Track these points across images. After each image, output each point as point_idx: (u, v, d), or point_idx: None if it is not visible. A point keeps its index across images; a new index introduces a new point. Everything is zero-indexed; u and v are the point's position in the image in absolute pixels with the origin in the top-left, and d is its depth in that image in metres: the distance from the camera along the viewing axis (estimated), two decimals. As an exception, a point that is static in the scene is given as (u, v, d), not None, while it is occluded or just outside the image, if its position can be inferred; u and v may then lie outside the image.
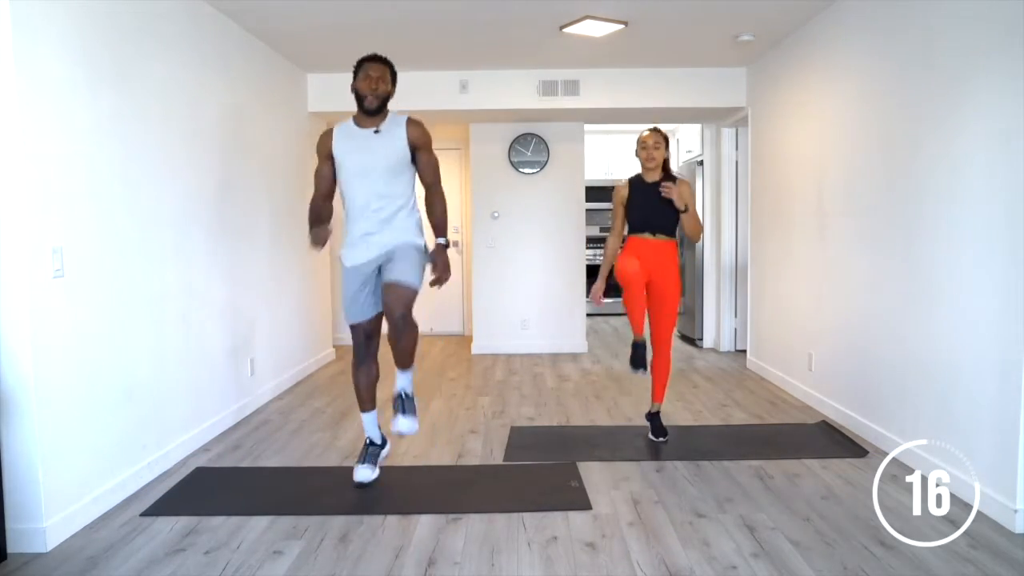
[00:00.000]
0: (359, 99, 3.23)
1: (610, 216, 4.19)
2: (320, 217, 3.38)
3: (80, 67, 3.05)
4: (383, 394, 3.54)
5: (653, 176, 3.92)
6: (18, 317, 2.69)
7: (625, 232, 4.04)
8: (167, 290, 3.73)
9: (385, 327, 3.28)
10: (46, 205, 2.82)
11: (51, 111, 2.87)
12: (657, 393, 4.05)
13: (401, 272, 3.18)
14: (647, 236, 3.89)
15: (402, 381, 3.36)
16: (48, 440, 2.80)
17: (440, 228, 3.33)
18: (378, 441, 3.46)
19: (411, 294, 3.20)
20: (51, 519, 2.79)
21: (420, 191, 3.38)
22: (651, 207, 3.87)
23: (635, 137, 4.04)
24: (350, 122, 3.30)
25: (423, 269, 3.28)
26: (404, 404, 3.35)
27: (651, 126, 4.00)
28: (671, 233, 3.92)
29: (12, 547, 2.72)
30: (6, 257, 2.67)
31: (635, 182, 3.97)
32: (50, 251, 2.83)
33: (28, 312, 2.70)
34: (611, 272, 4.02)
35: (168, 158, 3.78)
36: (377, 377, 3.44)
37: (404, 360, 3.32)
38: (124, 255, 3.35)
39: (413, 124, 3.26)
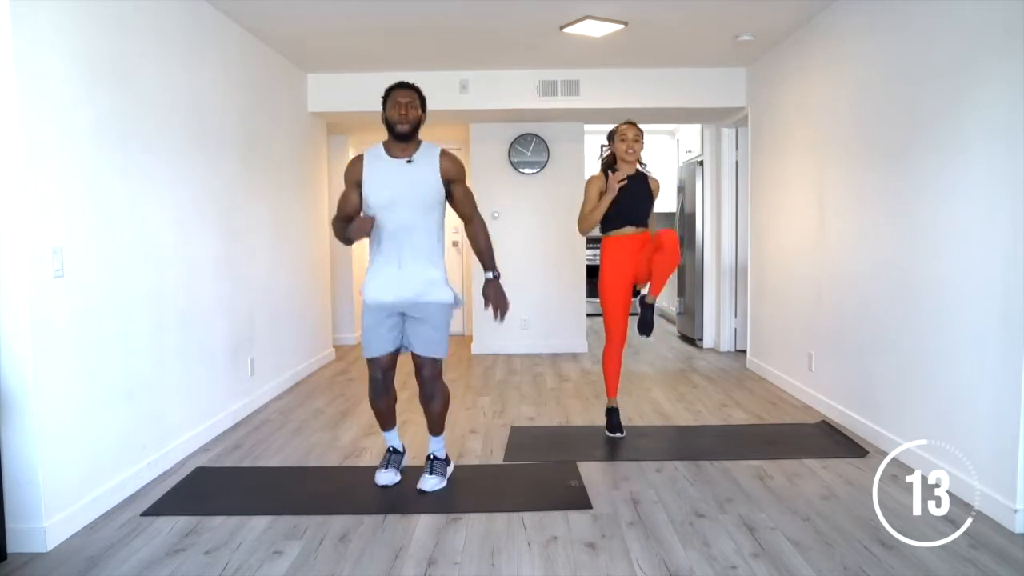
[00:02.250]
0: (390, 127, 3.15)
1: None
2: (347, 226, 3.25)
3: (80, 67, 3.05)
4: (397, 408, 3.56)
5: (630, 169, 3.98)
6: (18, 317, 2.69)
7: (597, 231, 4.07)
8: (167, 289, 3.73)
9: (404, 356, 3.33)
10: (46, 205, 2.82)
11: (51, 111, 2.87)
12: (656, 284, 3.95)
13: (431, 346, 3.22)
14: (630, 231, 3.96)
15: (434, 446, 3.44)
16: (48, 440, 2.80)
17: (487, 261, 3.30)
18: (400, 450, 3.53)
19: (441, 362, 3.30)
20: (51, 519, 2.79)
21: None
22: (631, 200, 3.93)
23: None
24: (380, 149, 3.20)
25: (450, 324, 3.30)
26: (433, 466, 3.41)
27: (627, 120, 4.03)
28: (646, 224, 4.04)
29: (12, 547, 2.71)
30: (6, 257, 2.67)
31: (613, 175, 3.97)
32: (50, 251, 2.83)
33: (28, 312, 2.70)
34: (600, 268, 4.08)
35: (168, 158, 3.78)
36: (395, 400, 3.43)
37: (437, 426, 3.40)
38: (124, 255, 3.35)
39: (447, 156, 3.19)
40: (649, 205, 4.04)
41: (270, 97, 5.34)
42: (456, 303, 3.26)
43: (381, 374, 3.30)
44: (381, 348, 3.25)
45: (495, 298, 3.30)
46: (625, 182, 3.91)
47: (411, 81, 3.24)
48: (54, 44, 2.89)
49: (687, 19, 4.80)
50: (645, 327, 4.10)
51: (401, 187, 3.12)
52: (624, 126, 3.97)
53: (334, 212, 3.33)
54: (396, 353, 3.31)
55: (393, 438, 3.50)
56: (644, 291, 4.09)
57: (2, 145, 2.65)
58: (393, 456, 3.48)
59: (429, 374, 3.27)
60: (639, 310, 4.13)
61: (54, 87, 2.89)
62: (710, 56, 5.75)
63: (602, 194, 3.97)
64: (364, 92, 6.04)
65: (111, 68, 3.28)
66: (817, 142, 4.73)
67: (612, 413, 4.17)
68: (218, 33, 4.45)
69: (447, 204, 3.28)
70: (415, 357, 3.26)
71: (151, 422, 3.54)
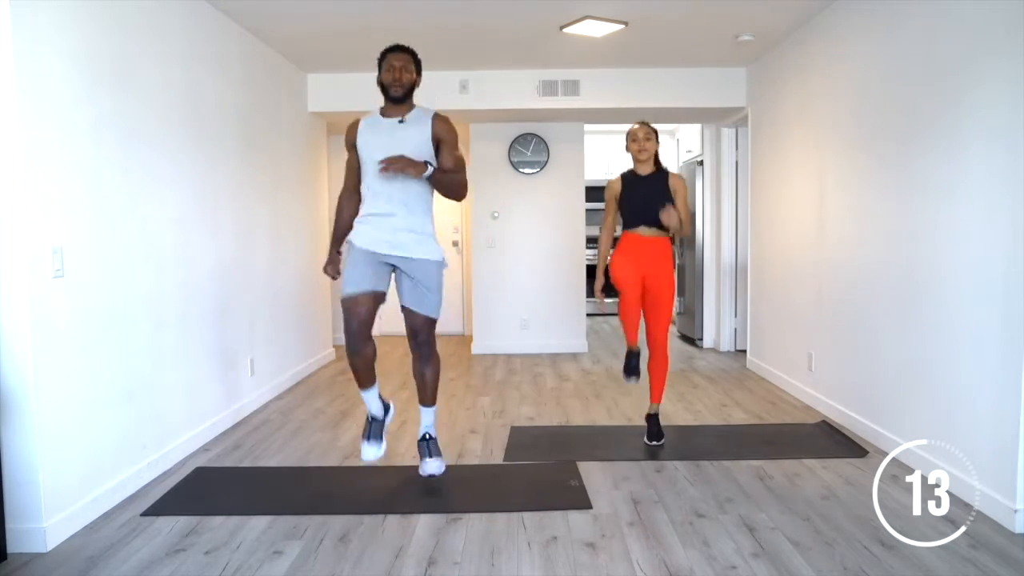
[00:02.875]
0: (384, 90, 3.22)
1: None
2: (343, 220, 3.35)
3: (80, 67, 3.05)
4: (387, 395, 3.52)
5: (645, 169, 3.90)
6: (18, 317, 2.69)
7: (618, 230, 4.03)
8: (167, 289, 3.73)
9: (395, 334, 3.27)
10: (46, 205, 2.82)
11: (51, 111, 2.87)
12: (655, 393, 4.02)
13: (423, 303, 3.20)
14: (641, 231, 3.86)
15: (426, 420, 3.41)
16: (48, 440, 2.79)
17: (441, 170, 3.16)
18: (380, 415, 3.38)
19: (434, 322, 3.27)
20: (51, 519, 2.79)
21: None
22: (645, 202, 3.83)
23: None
24: (376, 114, 3.28)
25: (442, 284, 3.27)
26: (430, 447, 3.38)
27: (639, 120, 3.97)
28: (665, 228, 3.86)
29: (12, 547, 2.71)
30: (6, 257, 2.67)
31: (628, 177, 3.95)
32: (50, 251, 2.83)
33: (28, 312, 2.70)
34: (607, 269, 4.03)
35: (168, 158, 3.78)
36: (375, 354, 3.27)
37: (430, 394, 3.38)
38: (124, 255, 3.35)
39: (440, 119, 3.23)
40: (662, 207, 3.80)
41: (270, 97, 5.34)
42: (443, 264, 3.26)
43: (357, 322, 3.14)
44: (360, 284, 3.14)
45: (401, 161, 3.04)
46: (603, 297, 4.11)
47: (414, 51, 3.27)
48: (54, 44, 2.88)
49: (687, 19, 4.80)
50: (653, 437, 3.98)
51: (391, 144, 3.15)
52: (635, 127, 3.89)
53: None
54: (376, 299, 3.18)
55: (373, 399, 3.34)
56: (647, 409, 4.06)
57: (2, 145, 2.65)
58: (374, 424, 3.35)
59: (424, 338, 3.25)
60: (647, 424, 4.02)
61: (54, 87, 2.89)
62: (710, 56, 5.75)
63: (618, 201, 3.93)
64: (364, 92, 6.00)
65: (111, 68, 3.28)
66: (817, 142, 4.73)
67: (651, 419, 4.04)
68: (218, 33, 4.45)
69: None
70: (408, 318, 3.23)
71: (151, 422, 3.54)
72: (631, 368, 4.01)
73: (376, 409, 3.38)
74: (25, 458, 2.73)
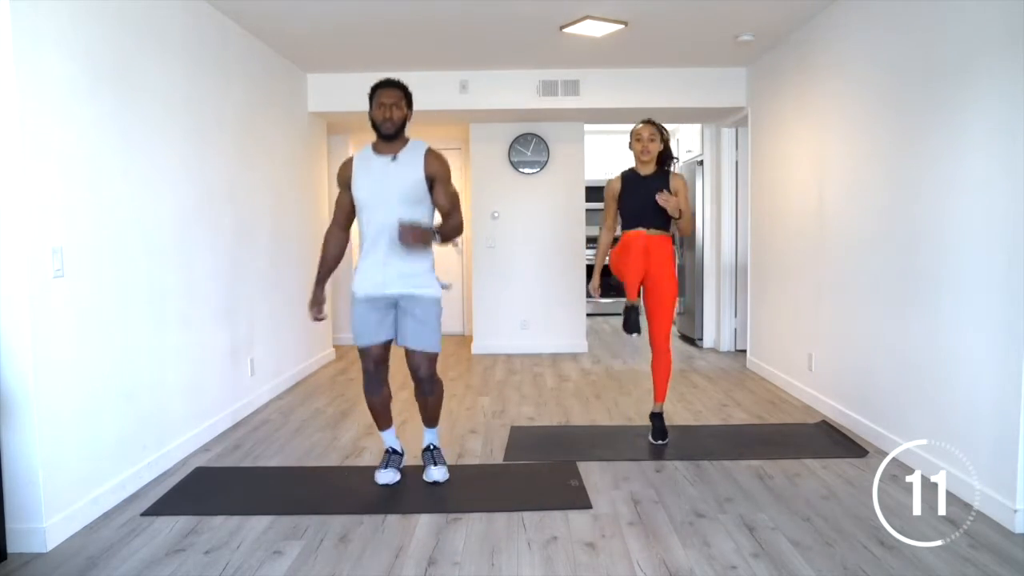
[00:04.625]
0: (376, 127, 3.20)
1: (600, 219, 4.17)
2: (329, 254, 3.38)
3: (80, 67, 3.05)
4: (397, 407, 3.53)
5: (647, 169, 3.89)
6: (18, 317, 2.69)
7: (618, 230, 4.02)
8: (167, 289, 3.73)
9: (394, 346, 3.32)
10: (46, 205, 2.82)
11: (51, 111, 2.87)
12: (659, 392, 4.02)
13: (422, 340, 3.23)
14: (641, 231, 3.83)
15: (430, 436, 3.51)
16: (48, 440, 2.80)
17: (442, 229, 3.17)
18: (399, 450, 3.53)
19: (435, 358, 3.31)
20: (51, 519, 2.79)
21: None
22: (645, 202, 3.81)
23: (635, 137, 4.02)
24: (369, 149, 3.26)
25: (440, 319, 3.29)
26: (434, 456, 3.47)
27: (645, 118, 3.94)
28: (666, 228, 3.87)
29: (12, 547, 2.72)
30: (6, 257, 2.67)
31: (628, 176, 3.93)
32: (50, 251, 2.83)
33: (28, 312, 2.70)
34: (606, 271, 4.02)
35: (168, 158, 3.78)
36: (390, 398, 3.45)
37: (432, 419, 3.46)
38: (124, 255, 3.35)
39: (432, 155, 3.21)
40: (663, 207, 3.79)
41: (270, 97, 5.34)
42: (442, 286, 3.27)
43: (373, 366, 3.30)
44: (371, 337, 3.25)
45: (413, 234, 3.06)
46: (599, 294, 4.08)
47: (404, 80, 3.28)
48: (54, 44, 2.88)
49: (687, 19, 4.80)
50: (658, 435, 3.95)
51: (385, 184, 3.16)
52: (639, 126, 3.87)
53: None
54: (388, 344, 3.30)
55: (391, 438, 3.50)
56: (652, 408, 4.04)
57: (2, 145, 2.65)
58: (392, 456, 3.49)
59: (426, 374, 3.29)
60: (651, 422, 4.00)
61: (54, 87, 2.89)
62: (710, 56, 5.75)
63: (617, 199, 3.91)
64: (364, 92, 5.96)
65: (111, 68, 3.28)
66: (817, 142, 4.73)
67: (655, 418, 4.03)
68: (218, 33, 4.45)
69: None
70: (409, 356, 3.28)
71: (151, 422, 3.54)
72: (631, 324, 3.87)
73: (394, 444, 3.51)
74: (25, 458, 2.73)
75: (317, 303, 3.41)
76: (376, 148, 3.25)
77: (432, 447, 3.49)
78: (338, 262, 3.44)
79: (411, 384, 3.40)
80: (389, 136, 3.19)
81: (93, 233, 3.12)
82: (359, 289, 3.24)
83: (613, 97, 6.16)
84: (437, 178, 3.21)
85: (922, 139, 3.49)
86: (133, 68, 3.46)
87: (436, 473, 3.41)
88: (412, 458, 3.71)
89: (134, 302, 3.42)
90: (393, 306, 3.24)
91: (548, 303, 7.10)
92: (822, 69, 4.67)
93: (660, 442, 3.96)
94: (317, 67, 5.95)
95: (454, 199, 3.27)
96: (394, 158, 3.19)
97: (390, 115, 3.16)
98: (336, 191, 3.39)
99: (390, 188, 3.16)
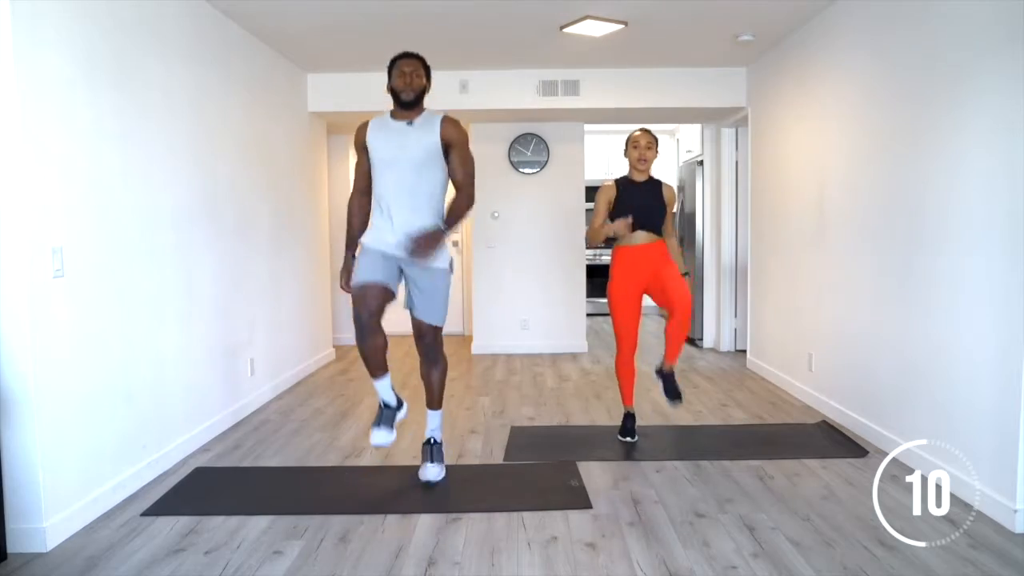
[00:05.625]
0: (395, 95, 3.24)
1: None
2: (355, 222, 3.38)
3: (80, 67, 3.05)
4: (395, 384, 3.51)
5: (642, 177, 3.93)
6: (18, 317, 2.69)
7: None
8: (167, 290, 3.73)
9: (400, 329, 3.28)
10: (46, 205, 2.82)
11: (51, 111, 2.87)
12: (670, 352, 3.84)
13: (426, 312, 3.26)
14: (639, 239, 3.85)
15: (433, 423, 3.46)
16: (48, 440, 2.80)
17: (452, 213, 3.20)
18: (393, 404, 3.31)
19: (440, 328, 3.33)
20: (51, 519, 2.79)
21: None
22: (640, 208, 3.84)
23: (635, 137, 4.02)
24: (386, 116, 3.30)
25: (448, 291, 3.29)
26: (433, 452, 3.43)
27: (641, 126, 3.99)
28: (659, 232, 3.92)
29: (12, 547, 2.71)
30: (6, 257, 2.67)
31: (623, 183, 3.93)
32: (50, 251, 2.83)
33: (28, 312, 2.70)
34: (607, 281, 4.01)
35: (168, 158, 3.78)
36: (385, 345, 3.20)
37: (436, 396, 3.43)
38: (124, 255, 3.35)
39: (449, 121, 3.24)
40: (662, 213, 3.90)
41: (270, 97, 5.34)
42: (450, 268, 3.28)
43: (367, 315, 3.09)
44: (371, 275, 3.13)
45: (423, 239, 3.06)
46: (629, 223, 3.77)
47: (423, 57, 3.33)
48: (54, 44, 2.88)
49: (687, 19, 4.80)
50: (673, 395, 3.84)
51: (401, 146, 3.19)
52: (637, 133, 3.89)
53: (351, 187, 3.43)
54: (385, 294, 3.14)
55: (385, 388, 3.27)
56: (659, 365, 3.91)
57: (2, 145, 2.65)
58: (386, 412, 3.28)
59: (431, 341, 3.32)
60: (660, 382, 3.88)
61: (54, 87, 2.89)
62: (710, 56, 5.75)
63: (611, 206, 3.89)
64: (364, 92, 6.05)
65: (111, 68, 3.28)
66: (817, 142, 4.73)
67: (628, 418, 4.08)
68: (218, 33, 4.45)
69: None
70: (415, 321, 3.29)
71: (151, 422, 3.54)
72: (627, 429, 4.03)
73: (388, 397, 3.30)
74: (25, 458, 2.73)
75: (348, 270, 3.34)
76: (394, 115, 3.28)
77: (433, 441, 3.44)
78: (365, 227, 3.37)
79: (412, 384, 3.39)
80: (409, 103, 3.22)
81: (93, 233, 3.12)
82: (369, 240, 3.25)
83: (613, 97, 6.16)
84: (454, 143, 3.23)
85: (922, 139, 3.49)
86: (134, 68, 3.46)
87: (431, 472, 3.38)
88: (412, 458, 3.71)
89: (134, 302, 3.42)
90: (400, 269, 3.23)
91: (548, 303, 7.10)
92: (822, 69, 4.67)
93: (676, 401, 3.81)
94: (317, 67, 5.95)
95: (469, 167, 3.29)
96: (411, 123, 3.23)
97: (410, 81, 3.21)
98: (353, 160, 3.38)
99: (406, 150, 3.18)
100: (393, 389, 3.34)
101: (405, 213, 3.18)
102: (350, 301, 3.20)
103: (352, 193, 3.42)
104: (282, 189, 5.49)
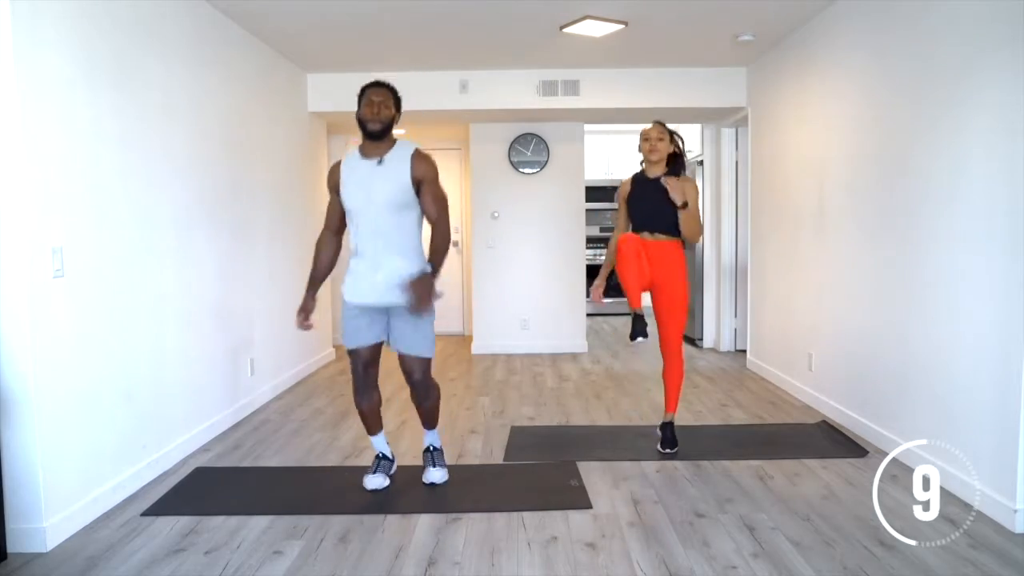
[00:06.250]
0: (362, 126, 3.12)
1: (611, 217, 4.11)
2: (322, 262, 3.32)
3: (80, 67, 3.05)
4: (389, 393, 3.52)
5: (656, 171, 3.79)
6: (18, 317, 2.69)
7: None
8: (167, 290, 3.73)
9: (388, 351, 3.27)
10: (46, 205, 2.82)
11: (51, 111, 2.87)
12: (670, 402, 3.89)
13: (415, 345, 3.19)
14: (646, 236, 3.74)
15: (430, 438, 3.48)
16: (48, 440, 2.80)
17: (435, 256, 3.10)
18: (390, 456, 3.48)
19: (428, 362, 3.26)
20: (51, 519, 2.79)
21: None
22: (651, 204, 3.74)
23: (635, 137, 4.00)
24: (356, 154, 3.18)
25: (433, 322, 3.23)
26: (434, 458, 3.46)
27: (655, 119, 3.87)
28: (674, 233, 3.75)
29: (12, 547, 2.71)
30: (6, 257, 2.67)
31: (637, 178, 3.88)
32: (50, 251, 2.83)
33: (28, 312, 2.70)
34: (612, 272, 3.94)
35: (168, 158, 3.78)
36: (379, 403, 3.37)
37: (431, 421, 3.43)
38: (124, 255, 3.35)
39: (419, 157, 3.12)
40: (670, 210, 3.69)
41: (270, 97, 5.34)
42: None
43: (363, 368, 3.25)
44: (361, 340, 3.20)
45: (420, 290, 2.95)
46: (601, 298, 3.96)
47: (404, 80, 3.27)
48: (54, 44, 2.89)
49: (687, 19, 4.80)
50: (668, 444, 3.82)
51: (372, 188, 3.09)
52: (648, 126, 3.80)
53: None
54: (378, 347, 3.25)
55: (381, 443, 3.44)
56: (663, 419, 3.90)
57: (2, 145, 2.65)
58: (383, 462, 3.43)
59: (420, 378, 3.24)
60: (660, 433, 3.86)
61: (54, 87, 2.89)
62: (710, 56, 5.75)
63: (626, 200, 3.85)
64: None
65: (111, 68, 3.28)
66: (817, 142, 4.73)
67: (665, 428, 3.89)
68: (218, 33, 4.45)
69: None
70: (402, 360, 3.23)
71: (151, 422, 3.54)
72: (637, 331, 3.69)
73: (384, 450, 3.47)
74: (25, 458, 2.73)
75: (305, 310, 3.34)
76: (363, 151, 3.16)
77: (432, 448, 3.47)
78: (331, 269, 3.38)
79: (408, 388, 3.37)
80: (375, 134, 3.10)
81: (93, 233, 3.12)
82: (348, 295, 3.19)
83: (613, 97, 6.16)
84: (425, 180, 3.10)
85: (922, 138, 3.49)
86: (133, 68, 3.46)
87: (435, 475, 3.41)
88: (413, 458, 3.71)
89: (134, 302, 3.42)
90: (385, 311, 3.18)
91: (548, 303, 7.10)
92: (822, 69, 4.67)
93: (668, 451, 3.83)
94: (317, 67, 5.95)
95: (442, 203, 3.15)
96: (380, 161, 3.10)
97: (378, 112, 3.08)
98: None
99: (377, 193, 3.08)
100: (387, 444, 3.51)
101: (386, 255, 3.10)
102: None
103: (323, 231, 3.32)
104: (282, 189, 5.48)
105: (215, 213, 4.31)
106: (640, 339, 3.69)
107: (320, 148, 6.59)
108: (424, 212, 3.17)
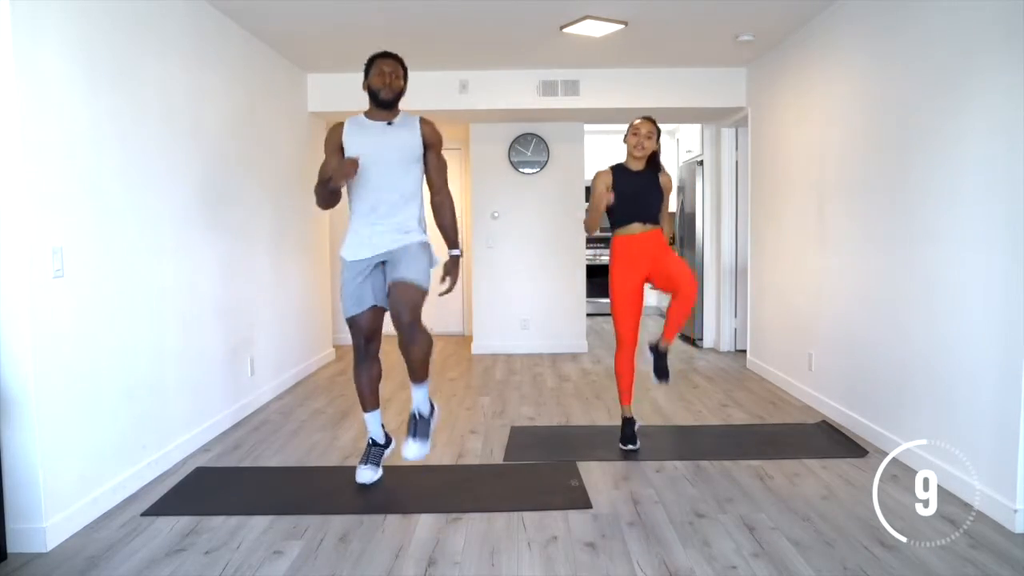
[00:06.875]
0: (373, 94, 3.22)
1: (587, 210, 4.00)
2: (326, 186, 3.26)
3: (80, 67, 3.05)
4: (389, 393, 3.52)
5: (638, 165, 3.82)
6: (18, 317, 2.69)
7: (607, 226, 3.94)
8: (167, 290, 3.73)
9: (390, 327, 3.17)
10: (46, 205, 2.82)
11: (51, 111, 2.87)
12: (670, 329, 3.81)
13: (407, 269, 3.10)
14: (635, 228, 3.78)
15: (417, 397, 3.27)
16: (48, 440, 2.80)
17: (451, 237, 3.36)
18: (381, 441, 3.43)
19: (419, 296, 3.09)
20: (51, 519, 2.79)
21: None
22: (643, 196, 3.78)
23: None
24: (361, 116, 3.30)
25: (430, 268, 3.23)
26: (417, 427, 3.25)
27: (645, 115, 3.89)
28: (657, 222, 3.84)
29: (12, 547, 2.71)
30: (6, 257, 2.67)
31: (619, 170, 3.84)
32: (50, 251, 2.83)
33: (28, 312, 2.70)
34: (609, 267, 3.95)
35: (168, 158, 3.78)
36: (379, 376, 3.40)
37: (418, 372, 3.22)
38: (124, 255, 3.35)
39: (426, 123, 3.28)
40: (659, 202, 3.83)
41: (270, 97, 5.34)
42: (433, 254, 3.25)
43: (364, 341, 3.28)
44: (360, 303, 3.22)
45: (455, 275, 3.33)
46: (611, 197, 3.73)
47: (402, 58, 3.30)
48: (54, 44, 2.89)
49: (687, 19, 4.80)
50: (661, 374, 3.87)
51: (381, 146, 3.20)
52: (638, 121, 3.81)
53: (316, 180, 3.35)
54: (378, 315, 3.27)
55: (374, 423, 3.40)
56: (655, 340, 3.89)
57: (2, 145, 2.65)
58: (374, 449, 3.40)
59: (408, 319, 3.05)
60: (652, 357, 3.88)
61: (54, 87, 2.89)
62: (710, 56, 5.75)
63: (609, 189, 3.81)
64: (364, 92, 6.04)
65: (111, 68, 3.28)
66: (817, 142, 4.73)
67: (627, 423, 3.93)
68: (218, 33, 4.45)
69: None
70: (393, 300, 3.07)
71: (151, 422, 3.54)
72: (627, 436, 3.88)
73: (377, 434, 3.44)
74: (25, 458, 2.73)
75: (351, 161, 3.13)
76: (369, 115, 3.28)
77: (418, 416, 3.25)
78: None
79: (410, 385, 3.35)
80: (387, 103, 3.22)
81: (93, 233, 3.12)
82: (348, 254, 3.23)
83: (613, 97, 6.16)
84: (432, 145, 3.28)
85: (922, 139, 3.49)
86: (133, 68, 3.46)
87: (411, 449, 3.20)
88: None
89: (134, 302, 3.42)
90: (380, 265, 3.21)
91: (548, 303, 7.10)
92: (822, 69, 4.67)
93: (663, 381, 3.85)
94: (317, 67, 5.95)
95: (444, 170, 3.36)
96: (390, 123, 3.24)
97: (389, 82, 3.21)
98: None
99: (388, 149, 3.19)
100: (383, 427, 3.46)
101: (389, 208, 3.19)
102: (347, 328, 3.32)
103: (316, 184, 3.31)
104: (282, 189, 5.48)
105: (215, 213, 4.31)
106: (631, 447, 3.87)
107: (320, 148, 6.56)
108: (428, 178, 3.32)
